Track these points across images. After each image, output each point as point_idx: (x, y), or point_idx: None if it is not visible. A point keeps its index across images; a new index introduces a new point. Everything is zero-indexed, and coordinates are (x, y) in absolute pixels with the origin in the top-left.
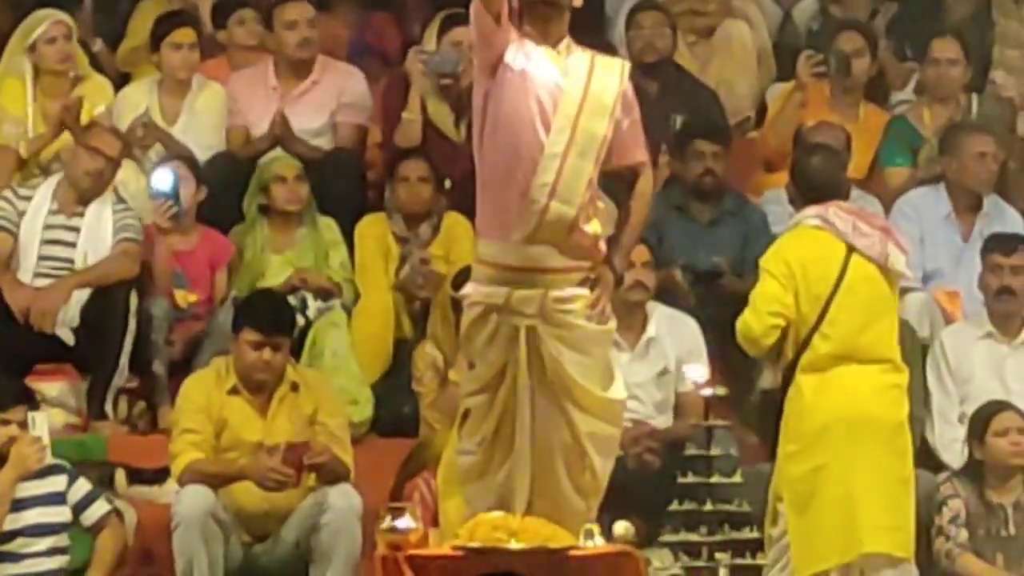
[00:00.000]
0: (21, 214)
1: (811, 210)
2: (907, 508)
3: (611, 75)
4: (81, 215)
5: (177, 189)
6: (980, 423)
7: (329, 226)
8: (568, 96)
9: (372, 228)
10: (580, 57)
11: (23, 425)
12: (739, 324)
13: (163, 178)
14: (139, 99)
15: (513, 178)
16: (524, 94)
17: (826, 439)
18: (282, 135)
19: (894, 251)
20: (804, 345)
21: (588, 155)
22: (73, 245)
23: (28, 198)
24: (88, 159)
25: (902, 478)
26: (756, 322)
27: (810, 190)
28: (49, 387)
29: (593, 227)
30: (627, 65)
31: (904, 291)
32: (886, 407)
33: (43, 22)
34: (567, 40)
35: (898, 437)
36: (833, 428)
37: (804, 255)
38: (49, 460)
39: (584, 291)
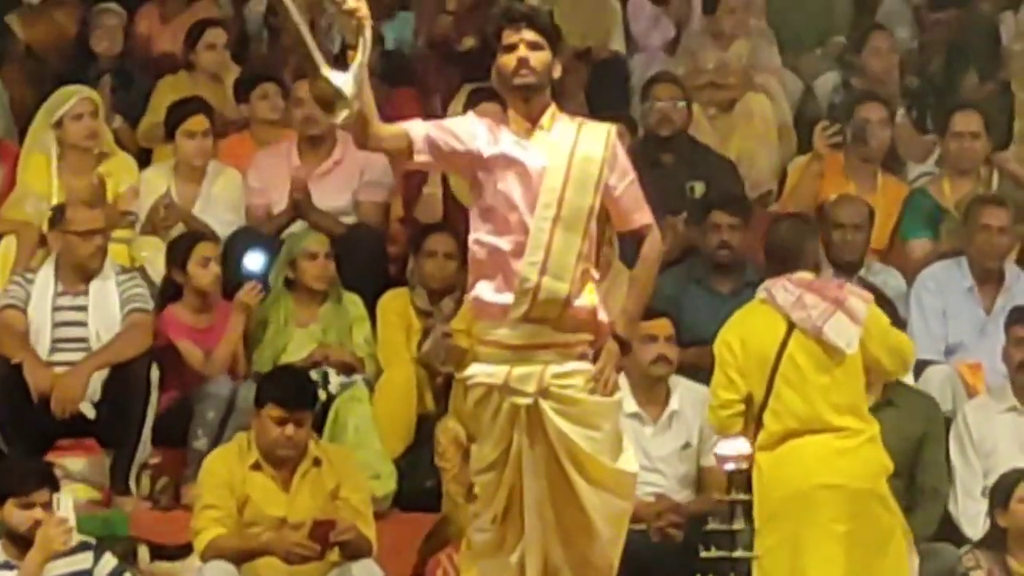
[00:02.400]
0: (30, 296)
1: (765, 283)
2: (882, 570)
3: (596, 142)
4: (86, 292)
5: (268, 271)
6: (1004, 490)
7: (354, 301)
8: (552, 170)
9: (394, 303)
10: (565, 127)
11: (47, 507)
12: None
13: (256, 259)
14: (158, 183)
15: (503, 260)
16: (504, 180)
17: (781, 514)
18: (304, 207)
19: (840, 324)
20: (758, 424)
21: (576, 228)
22: (84, 324)
23: (33, 281)
24: (82, 243)
25: (867, 542)
26: (712, 417)
27: (774, 262)
28: (72, 462)
29: (589, 299)
30: (613, 129)
31: (926, 364)
32: (836, 475)
33: (71, 98)
34: (551, 110)
35: (855, 503)
36: (787, 503)
37: (744, 332)
38: (75, 538)
39: (585, 365)
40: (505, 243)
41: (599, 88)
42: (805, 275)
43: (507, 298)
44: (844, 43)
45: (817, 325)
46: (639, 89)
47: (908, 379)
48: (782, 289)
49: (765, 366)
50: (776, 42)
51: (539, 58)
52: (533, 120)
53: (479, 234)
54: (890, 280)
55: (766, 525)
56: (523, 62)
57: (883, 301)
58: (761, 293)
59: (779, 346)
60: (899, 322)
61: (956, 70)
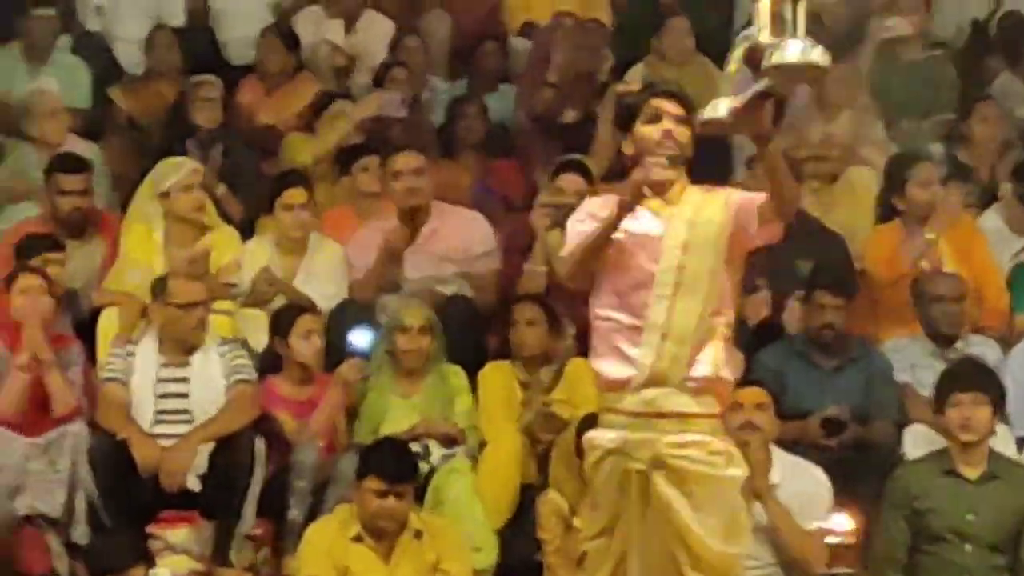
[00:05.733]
0: (132, 369)
1: None
2: None
3: (716, 208)
4: (188, 364)
5: (372, 348)
6: None
7: (456, 373)
8: (671, 236)
9: (497, 374)
10: (692, 195)
11: None
12: None
13: (362, 337)
14: (260, 255)
15: (625, 332)
16: (628, 252)
17: None
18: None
19: None
20: None
21: (697, 293)
22: (186, 396)
23: (134, 353)
24: (183, 315)
25: None
26: None
27: None
28: (174, 534)
29: (711, 363)
30: (733, 193)
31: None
32: None
33: (179, 170)
34: (682, 183)
35: None
36: None
37: None
38: None
39: (703, 437)
40: (626, 317)
41: (701, 158)
42: None
43: (628, 369)
44: (951, 117)
45: None
46: (741, 160)
47: (1011, 452)
48: None
49: None
50: (880, 115)
51: (683, 133)
52: (662, 195)
53: (602, 309)
54: (988, 352)
55: None
56: (667, 134)
57: (985, 372)
58: None
59: None
60: (1002, 394)
61: None
